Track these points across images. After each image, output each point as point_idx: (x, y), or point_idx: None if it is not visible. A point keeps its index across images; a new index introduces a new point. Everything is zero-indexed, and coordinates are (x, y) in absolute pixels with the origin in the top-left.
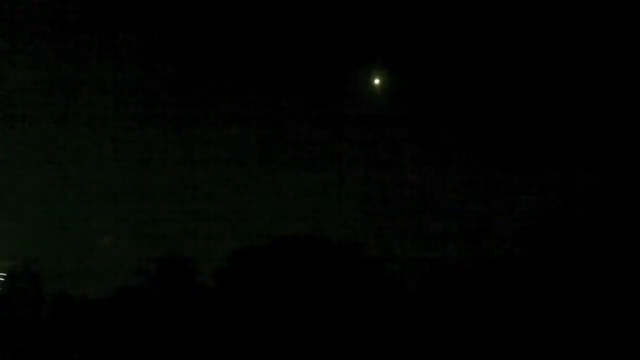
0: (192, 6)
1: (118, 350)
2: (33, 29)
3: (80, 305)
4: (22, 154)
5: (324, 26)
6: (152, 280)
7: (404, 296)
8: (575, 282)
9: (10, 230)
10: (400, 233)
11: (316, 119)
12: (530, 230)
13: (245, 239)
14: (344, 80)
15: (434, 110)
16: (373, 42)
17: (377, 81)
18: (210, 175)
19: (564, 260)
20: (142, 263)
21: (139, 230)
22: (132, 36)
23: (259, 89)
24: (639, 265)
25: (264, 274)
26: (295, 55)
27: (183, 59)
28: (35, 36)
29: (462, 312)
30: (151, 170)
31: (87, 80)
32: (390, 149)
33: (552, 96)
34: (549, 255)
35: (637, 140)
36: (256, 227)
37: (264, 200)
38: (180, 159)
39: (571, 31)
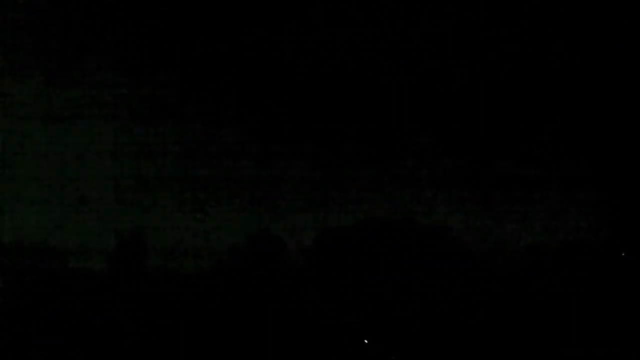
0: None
1: (208, 324)
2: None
3: (175, 279)
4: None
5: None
6: (242, 257)
7: (494, 282)
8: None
9: (108, 208)
10: (488, 217)
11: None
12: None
13: (334, 220)
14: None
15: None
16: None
17: None
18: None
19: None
20: (234, 240)
21: (230, 209)
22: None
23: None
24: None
25: (351, 254)
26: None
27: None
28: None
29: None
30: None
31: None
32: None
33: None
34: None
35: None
36: (345, 210)
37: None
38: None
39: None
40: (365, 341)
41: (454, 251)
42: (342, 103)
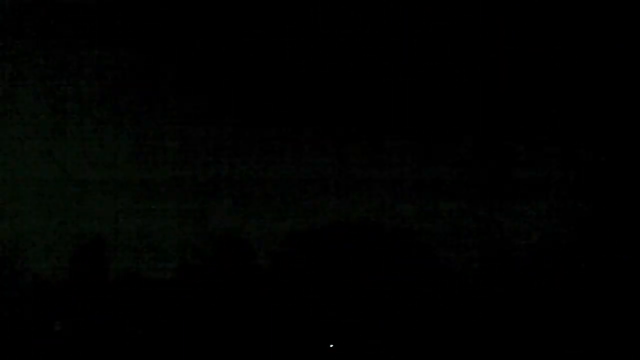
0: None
1: (175, 328)
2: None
3: (141, 282)
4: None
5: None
6: (209, 260)
7: (458, 284)
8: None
9: (75, 208)
10: (453, 220)
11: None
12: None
13: (301, 223)
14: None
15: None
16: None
17: None
18: (269, 160)
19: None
20: (201, 243)
21: (195, 211)
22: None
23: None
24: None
25: (318, 257)
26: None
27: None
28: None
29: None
30: (211, 160)
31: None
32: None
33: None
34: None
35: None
36: (312, 211)
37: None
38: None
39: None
40: (331, 345)
41: (422, 255)
42: (318, 107)
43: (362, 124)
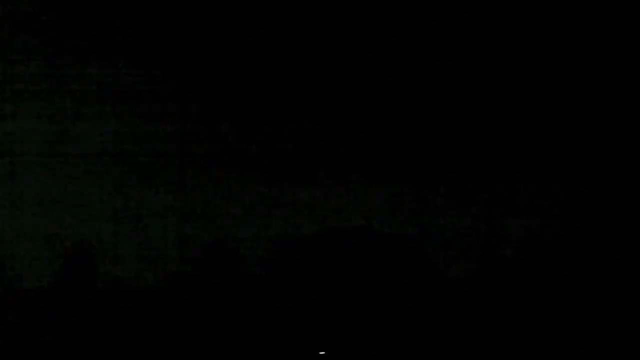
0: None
1: (164, 336)
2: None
3: (129, 289)
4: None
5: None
6: (198, 267)
7: (451, 289)
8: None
9: (65, 213)
10: (445, 227)
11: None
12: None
13: (292, 229)
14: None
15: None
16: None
17: None
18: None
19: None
20: (190, 250)
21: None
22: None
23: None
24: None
25: (310, 264)
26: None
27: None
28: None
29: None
30: (198, 162)
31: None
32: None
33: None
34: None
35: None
36: (302, 218)
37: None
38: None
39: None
40: (322, 352)
41: (413, 260)
42: (300, 109)
43: (360, 126)
